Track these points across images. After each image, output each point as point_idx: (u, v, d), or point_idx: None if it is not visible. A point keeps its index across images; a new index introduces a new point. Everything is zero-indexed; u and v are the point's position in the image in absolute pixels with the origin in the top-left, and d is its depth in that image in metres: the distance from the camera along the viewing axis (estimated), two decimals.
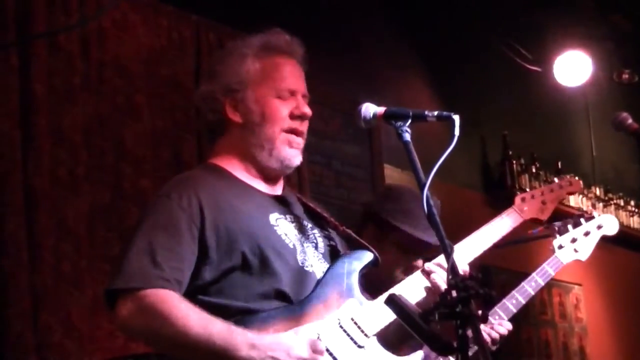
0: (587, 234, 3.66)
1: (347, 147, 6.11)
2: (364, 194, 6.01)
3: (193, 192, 2.69)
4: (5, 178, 4.10)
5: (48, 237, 4.21)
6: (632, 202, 9.17)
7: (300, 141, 2.88)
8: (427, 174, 2.43)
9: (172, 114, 4.97)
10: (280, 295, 2.68)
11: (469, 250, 3.04)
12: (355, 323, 2.73)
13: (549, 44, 7.63)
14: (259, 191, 2.86)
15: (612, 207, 8.90)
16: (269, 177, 2.90)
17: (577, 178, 3.54)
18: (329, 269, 2.81)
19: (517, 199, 3.27)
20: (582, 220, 3.69)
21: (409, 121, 2.59)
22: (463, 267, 2.88)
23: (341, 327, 2.71)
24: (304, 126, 2.88)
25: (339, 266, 2.82)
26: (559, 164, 8.29)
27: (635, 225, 9.07)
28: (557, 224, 4.12)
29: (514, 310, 3.73)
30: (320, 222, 3.00)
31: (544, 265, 3.75)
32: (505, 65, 7.56)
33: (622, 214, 9.03)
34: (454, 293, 2.10)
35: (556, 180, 3.46)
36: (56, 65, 4.42)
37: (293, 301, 2.68)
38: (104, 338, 4.36)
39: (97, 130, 4.57)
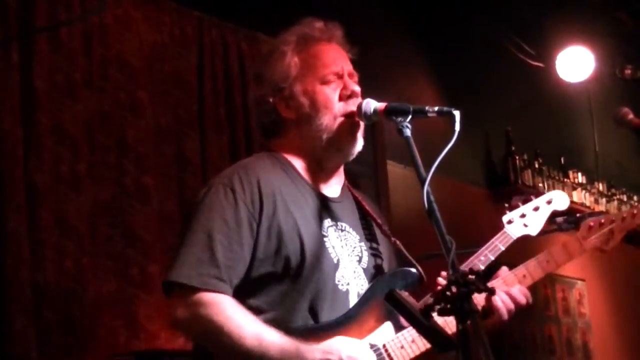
0: (536, 208, 3.64)
1: None
2: (368, 191, 6.00)
3: (257, 187, 2.67)
4: (7, 175, 4.10)
5: (50, 234, 4.21)
6: (635, 197, 9.16)
7: (357, 123, 2.81)
8: (428, 169, 2.41)
9: (174, 110, 4.97)
10: (311, 311, 2.66)
11: (520, 280, 2.99)
12: (386, 350, 2.69)
13: (551, 39, 7.61)
14: (317, 191, 2.82)
15: (616, 202, 8.88)
16: (327, 172, 2.86)
17: None
18: (369, 288, 2.77)
19: (584, 227, 3.20)
20: (532, 197, 3.68)
21: (410, 117, 2.58)
22: (529, 298, 2.90)
23: (374, 352, 2.68)
24: (357, 104, 2.81)
25: (380, 286, 2.77)
26: (562, 159, 8.28)
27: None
28: (559, 219, 4.11)
29: None
30: (371, 233, 2.94)
31: (494, 239, 3.70)
32: (508, 61, 7.54)
33: (625, 209, 9.02)
34: (454, 289, 2.09)
35: (632, 207, 3.36)
36: (58, 62, 4.43)
37: (320, 318, 2.65)
38: (105, 335, 4.36)
39: (99, 127, 4.57)
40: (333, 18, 2.96)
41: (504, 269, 2.91)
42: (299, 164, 2.83)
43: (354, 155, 2.87)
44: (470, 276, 2.08)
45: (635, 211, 3.31)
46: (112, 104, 4.66)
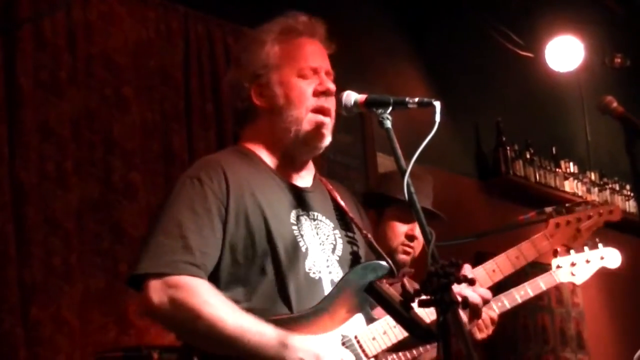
0: (587, 261, 3.73)
1: (339, 135, 6.00)
2: (358, 183, 5.99)
3: (222, 175, 2.68)
4: None
5: (37, 232, 4.20)
6: (628, 187, 9.15)
7: (327, 121, 2.82)
8: (410, 161, 2.41)
9: (161, 106, 4.95)
10: (283, 300, 2.65)
11: (489, 275, 2.99)
12: (358, 341, 2.68)
13: (540, 29, 7.60)
14: (285, 182, 2.82)
15: (608, 191, 8.88)
16: (297, 164, 2.86)
17: (618, 206, 3.53)
18: (341, 279, 2.75)
19: (552, 224, 3.27)
20: (585, 248, 3.76)
21: (390, 108, 2.58)
22: (484, 293, 2.81)
23: (344, 344, 2.67)
24: (330, 102, 2.81)
25: (352, 278, 2.75)
26: (554, 149, 8.27)
27: (631, 209, 9.05)
28: (549, 209, 4.12)
29: (497, 312, 3.79)
30: (346, 222, 2.94)
31: (538, 278, 3.80)
32: (497, 51, 7.53)
33: (618, 198, 9.02)
34: (434, 280, 2.08)
35: (597, 204, 3.44)
36: (42, 59, 4.41)
37: (293, 307, 2.64)
38: (94, 332, 4.35)
39: (85, 123, 4.56)
40: (320, 9, 2.97)
41: (467, 266, 2.89)
42: (267, 155, 2.84)
43: (322, 150, 2.87)
44: (449, 267, 2.08)
45: (601, 210, 3.38)
46: (98, 100, 4.64)
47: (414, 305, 2.17)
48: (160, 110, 4.94)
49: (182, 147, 4.96)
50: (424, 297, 2.08)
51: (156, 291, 2.52)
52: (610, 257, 3.83)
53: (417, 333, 2.15)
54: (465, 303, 2.10)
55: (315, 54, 2.86)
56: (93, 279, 4.42)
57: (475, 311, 2.76)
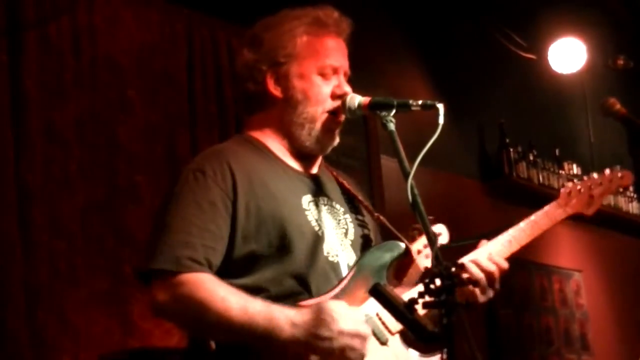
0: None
1: (342, 137, 6.06)
2: (361, 185, 5.98)
3: (227, 168, 2.65)
4: None
5: (42, 234, 4.22)
6: (631, 188, 9.14)
7: (339, 122, 2.83)
8: (414, 163, 2.43)
9: (165, 108, 4.96)
10: (303, 284, 2.64)
11: (505, 246, 2.96)
12: (380, 319, 2.68)
13: (542, 31, 7.60)
14: (293, 169, 2.81)
15: None
16: (305, 156, 2.85)
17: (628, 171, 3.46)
18: (358, 260, 2.75)
19: (563, 192, 3.19)
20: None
21: (394, 111, 2.59)
22: (500, 263, 2.82)
23: (366, 322, 2.65)
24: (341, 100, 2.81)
25: (368, 259, 2.76)
26: (557, 151, 8.27)
27: (634, 211, 9.05)
28: None
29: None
30: (354, 206, 2.93)
31: (410, 269, 3.85)
32: (501, 53, 7.53)
33: (621, 199, 9.01)
34: (438, 281, 2.09)
35: (607, 171, 3.37)
36: (47, 62, 4.43)
37: (312, 291, 2.63)
38: (99, 334, 4.36)
39: (89, 126, 4.57)
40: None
41: (483, 241, 2.88)
42: (274, 144, 2.82)
43: (329, 150, 2.87)
44: (454, 269, 2.09)
45: (611, 176, 3.32)
46: (103, 103, 4.65)
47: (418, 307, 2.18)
48: (165, 112, 4.95)
49: (186, 149, 4.96)
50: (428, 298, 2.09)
51: (161, 290, 2.51)
52: (442, 234, 3.86)
53: (421, 335, 2.15)
54: (469, 305, 2.12)
55: (338, 53, 2.86)
56: (98, 281, 4.43)
57: (490, 280, 2.74)
